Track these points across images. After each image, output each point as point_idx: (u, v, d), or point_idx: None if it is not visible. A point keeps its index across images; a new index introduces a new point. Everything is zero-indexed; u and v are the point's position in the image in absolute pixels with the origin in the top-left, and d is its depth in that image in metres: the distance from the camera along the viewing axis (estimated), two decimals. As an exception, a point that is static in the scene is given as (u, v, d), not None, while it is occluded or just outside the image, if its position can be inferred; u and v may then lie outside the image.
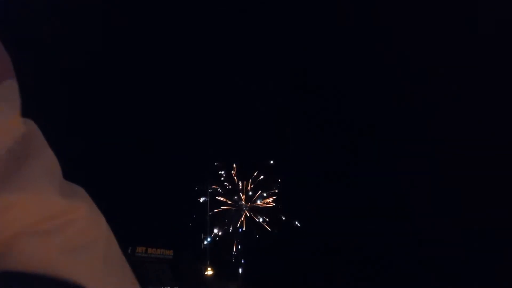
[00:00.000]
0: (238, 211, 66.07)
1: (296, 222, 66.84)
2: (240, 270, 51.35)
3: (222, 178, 70.09)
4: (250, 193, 69.15)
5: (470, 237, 35.35)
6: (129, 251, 26.99)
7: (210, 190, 52.20)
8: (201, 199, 58.61)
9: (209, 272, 36.48)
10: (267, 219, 66.39)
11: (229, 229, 64.72)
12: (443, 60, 40.91)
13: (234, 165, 72.66)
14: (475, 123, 38.47)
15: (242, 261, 57.44)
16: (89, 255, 0.56)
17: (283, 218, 67.10)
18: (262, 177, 65.22)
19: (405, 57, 41.89)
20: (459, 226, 36.24)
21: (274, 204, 65.57)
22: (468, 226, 35.56)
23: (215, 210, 66.54)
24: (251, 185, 68.15)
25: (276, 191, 66.42)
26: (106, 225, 0.61)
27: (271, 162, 63.84)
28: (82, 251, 0.55)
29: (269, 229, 65.14)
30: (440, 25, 40.55)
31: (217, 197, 63.99)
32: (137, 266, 25.40)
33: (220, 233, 65.31)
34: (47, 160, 0.58)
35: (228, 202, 67.86)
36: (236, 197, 69.30)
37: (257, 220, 66.09)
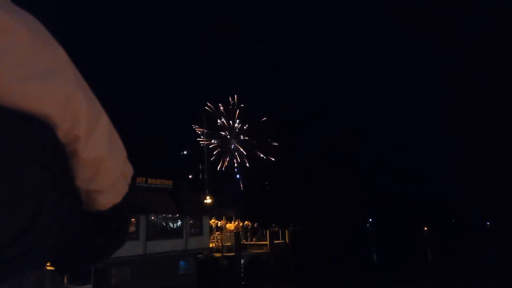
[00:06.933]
0: (230, 144, 67.39)
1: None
2: (237, 197, 53.52)
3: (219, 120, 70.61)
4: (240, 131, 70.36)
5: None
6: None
7: (204, 120, 52.85)
8: (198, 131, 59.47)
9: (208, 200, 37.75)
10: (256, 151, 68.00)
11: (224, 161, 66.35)
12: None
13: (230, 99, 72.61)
14: None
15: (240, 187, 59.44)
16: (48, 83, 0.48)
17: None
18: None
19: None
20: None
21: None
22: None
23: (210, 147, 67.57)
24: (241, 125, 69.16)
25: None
26: (65, 56, 0.53)
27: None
28: (37, 79, 0.47)
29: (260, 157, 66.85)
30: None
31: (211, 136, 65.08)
32: (139, 195, 26.81)
33: (218, 166, 66.91)
34: None
35: (221, 134, 68.71)
36: (227, 134, 70.32)
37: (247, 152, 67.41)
